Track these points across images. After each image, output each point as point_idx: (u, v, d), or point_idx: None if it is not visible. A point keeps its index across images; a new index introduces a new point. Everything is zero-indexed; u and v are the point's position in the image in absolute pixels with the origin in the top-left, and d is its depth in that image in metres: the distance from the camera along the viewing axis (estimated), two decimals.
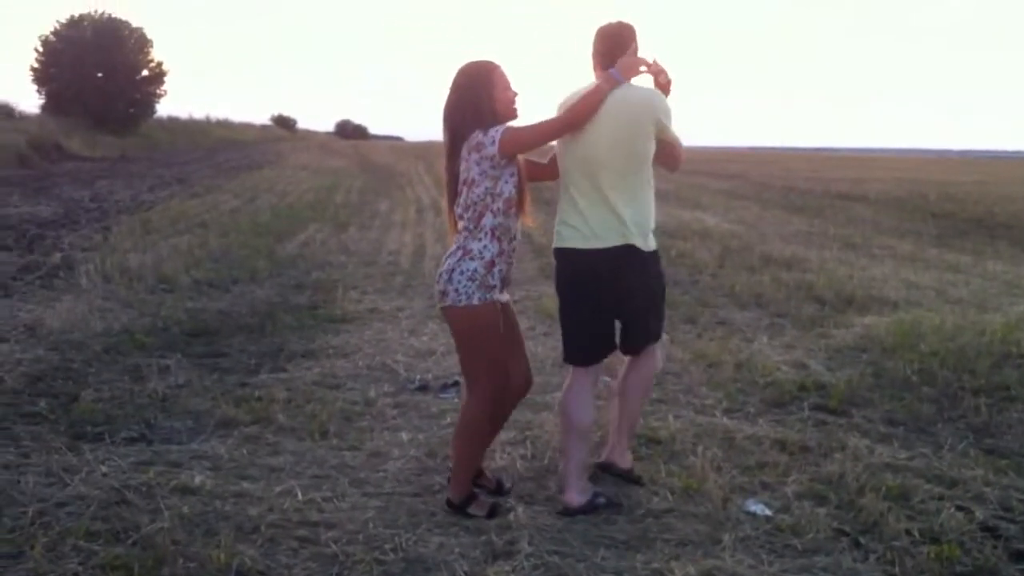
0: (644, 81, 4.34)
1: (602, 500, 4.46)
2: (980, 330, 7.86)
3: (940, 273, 12.02)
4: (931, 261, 13.33)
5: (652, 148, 4.31)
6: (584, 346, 4.50)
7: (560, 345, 4.64)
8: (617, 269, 4.31)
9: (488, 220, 4.16)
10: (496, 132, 4.09)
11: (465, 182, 4.18)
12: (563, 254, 4.42)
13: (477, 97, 4.16)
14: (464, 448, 4.39)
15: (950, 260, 13.48)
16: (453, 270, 4.15)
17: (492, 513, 4.30)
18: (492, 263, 4.17)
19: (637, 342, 4.58)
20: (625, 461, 4.83)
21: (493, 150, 4.08)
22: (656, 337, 4.66)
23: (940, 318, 8.43)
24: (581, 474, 4.49)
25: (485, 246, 4.16)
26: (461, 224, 4.23)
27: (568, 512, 4.36)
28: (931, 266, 12.76)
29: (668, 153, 4.42)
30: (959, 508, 4.47)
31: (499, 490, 4.59)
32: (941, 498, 4.59)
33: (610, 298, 4.38)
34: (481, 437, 4.47)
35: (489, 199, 4.15)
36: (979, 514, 4.42)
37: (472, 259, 4.14)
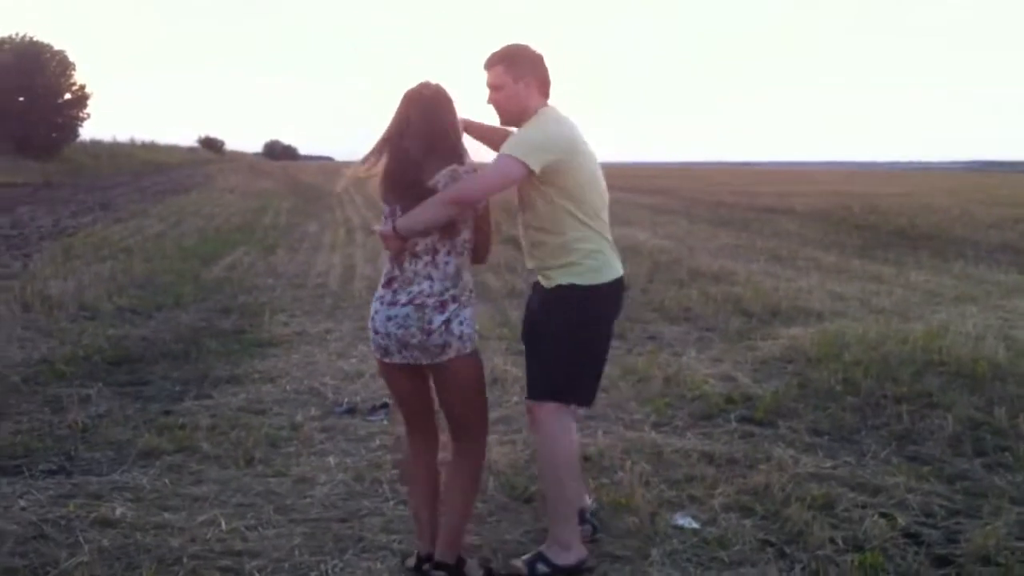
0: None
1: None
2: (902, 339, 8.00)
3: (864, 284, 12.24)
4: (855, 272, 13.56)
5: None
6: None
7: None
8: None
9: (468, 277, 3.84)
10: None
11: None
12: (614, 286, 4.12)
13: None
14: (467, 505, 4.00)
15: (873, 271, 13.73)
16: (450, 321, 3.73)
17: (490, 573, 4.02)
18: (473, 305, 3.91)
19: None
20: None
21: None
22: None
23: (864, 328, 8.56)
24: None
25: (471, 294, 3.84)
26: (433, 272, 3.77)
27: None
28: (855, 277, 12.98)
29: None
30: (882, 515, 4.52)
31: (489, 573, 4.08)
32: (864, 506, 4.64)
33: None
34: (479, 487, 4.19)
35: (467, 255, 3.84)
36: (902, 521, 4.47)
37: (466, 306, 3.79)
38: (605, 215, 4.10)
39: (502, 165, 3.82)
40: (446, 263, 3.77)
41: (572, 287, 3.98)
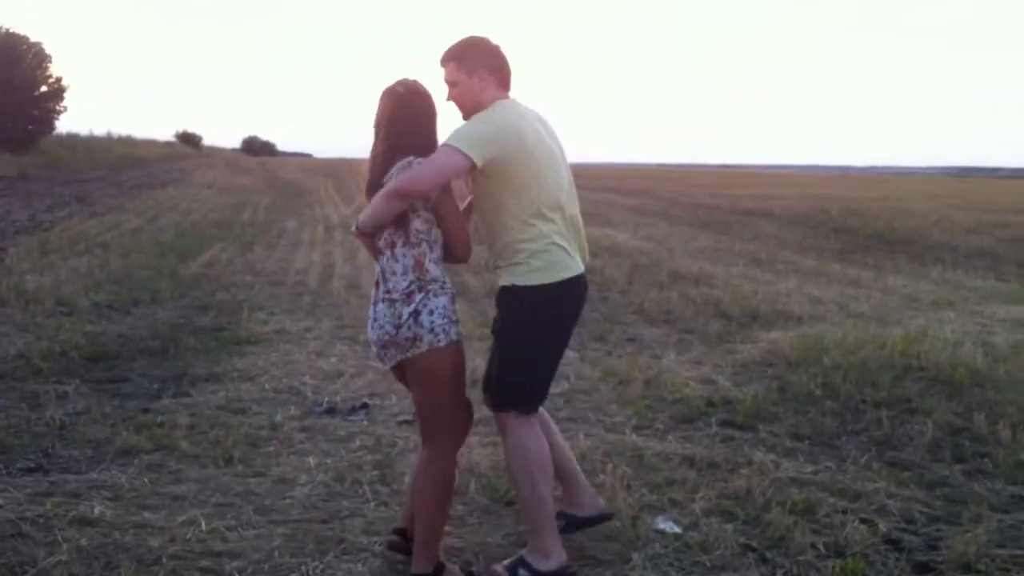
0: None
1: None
2: (881, 344, 8.02)
3: (843, 288, 12.28)
4: (834, 276, 13.61)
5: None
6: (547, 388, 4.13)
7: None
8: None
9: (435, 269, 3.76)
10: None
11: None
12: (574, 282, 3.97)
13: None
14: (436, 512, 3.86)
15: (852, 275, 13.78)
16: (418, 312, 3.68)
17: None
18: (453, 297, 3.84)
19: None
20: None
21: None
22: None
23: (843, 332, 8.59)
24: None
25: (443, 284, 3.77)
26: (395, 266, 3.75)
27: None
28: (834, 281, 13.03)
29: None
30: (863, 521, 4.53)
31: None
32: (845, 511, 4.65)
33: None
34: (451, 493, 4.00)
35: (426, 246, 3.76)
36: (882, 527, 4.48)
37: (436, 295, 3.73)
38: (560, 214, 3.92)
39: (442, 156, 3.70)
40: (404, 255, 3.74)
41: (514, 288, 3.89)
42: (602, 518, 4.39)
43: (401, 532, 4.06)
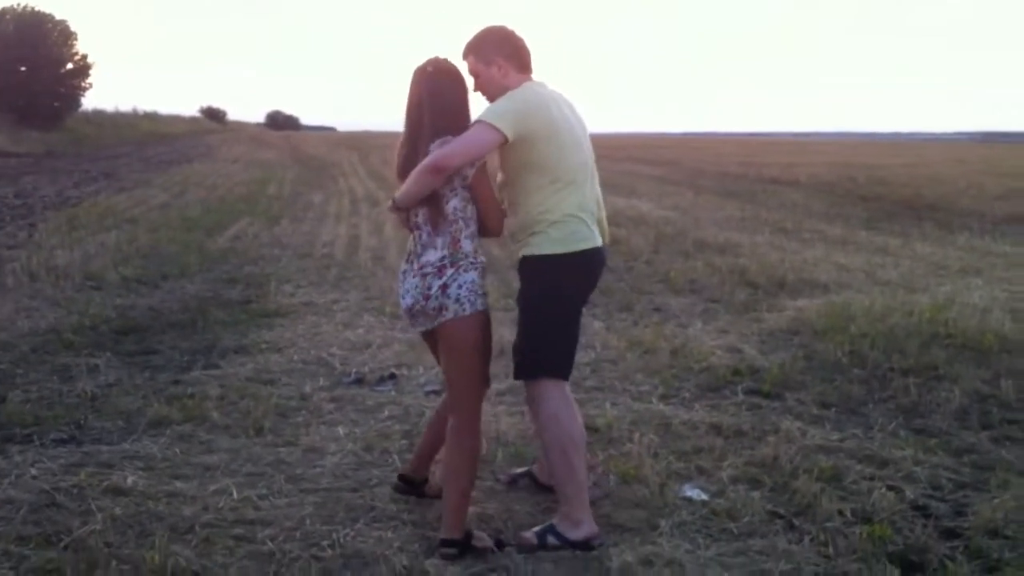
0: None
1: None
2: (908, 311, 7.99)
3: (869, 255, 12.22)
4: (861, 244, 13.55)
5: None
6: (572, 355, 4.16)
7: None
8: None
9: (469, 245, 3.90)
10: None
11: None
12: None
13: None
14: (465, 478, 3.97)
15: (879, 243, 13.71)
16: (447, 285, 3.82)
17: (500, 544, 3.97)
18: (484, 271, 3.96)
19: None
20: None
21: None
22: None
23: (870, 300, 8.56)
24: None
25: (473, 260, 3.90)
26: (437, 241, 3.88)
27: (580, 545, 3.96)
28: (861, 249, 12.96)
29: None
30: (890, 488, 4.54)
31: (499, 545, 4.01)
32: (872, 478, 4.66)
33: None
34: (477, 457, 4.10)
35: (462, 223, 3.89)
36: (910, 493, 4.49)
37: (466, 271, 3.86)
38: (580, 191, 4.01)
39: (475, 131, 3.81)
40: (441, 232, 3.88)
41: (531, 258, 3.99)
42: None
43: (405, 479, 4.43)
